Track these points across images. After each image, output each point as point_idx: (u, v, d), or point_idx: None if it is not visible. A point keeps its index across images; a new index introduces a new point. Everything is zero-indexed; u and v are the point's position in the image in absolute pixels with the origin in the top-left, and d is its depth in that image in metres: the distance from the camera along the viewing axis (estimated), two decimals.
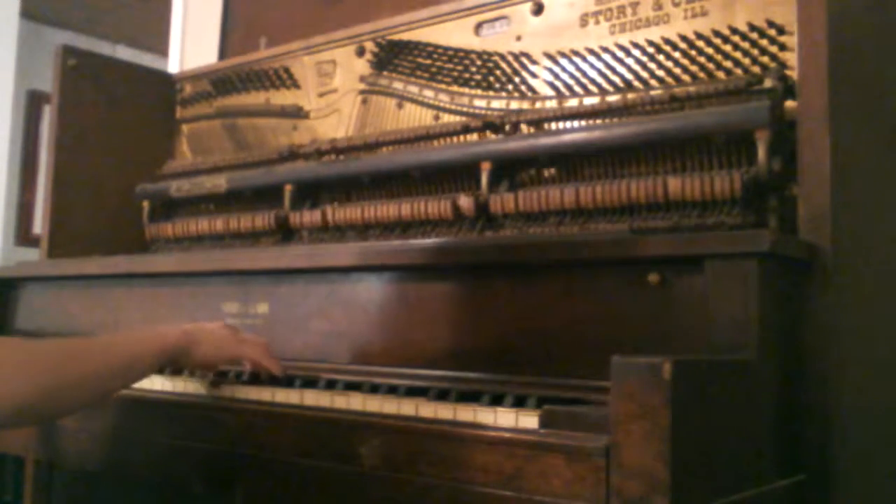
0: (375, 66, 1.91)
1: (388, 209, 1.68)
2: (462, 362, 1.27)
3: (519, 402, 1.15)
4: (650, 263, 1.11)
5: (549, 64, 1.64)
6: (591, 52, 1.58)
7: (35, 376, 1.15)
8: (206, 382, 1.39)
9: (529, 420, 1.00)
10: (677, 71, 1.48)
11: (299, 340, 1.47)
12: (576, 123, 1.55)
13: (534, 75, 1.66)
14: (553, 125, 1.58)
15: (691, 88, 1.41)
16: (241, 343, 1.38)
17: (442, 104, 1.79)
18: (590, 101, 1.56)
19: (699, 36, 1.45)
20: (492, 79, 1.72)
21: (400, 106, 1.86)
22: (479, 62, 1.74)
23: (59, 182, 2.13)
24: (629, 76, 1.53)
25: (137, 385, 1.47)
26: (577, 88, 1.59)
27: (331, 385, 1.36)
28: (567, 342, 1.18)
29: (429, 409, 1.10)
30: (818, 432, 1.11)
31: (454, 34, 1.78)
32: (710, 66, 1.44)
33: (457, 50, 1.77)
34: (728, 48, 1.42)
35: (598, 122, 1.52)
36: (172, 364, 1.35)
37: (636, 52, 1.52)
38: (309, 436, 1.16)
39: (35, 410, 1.17)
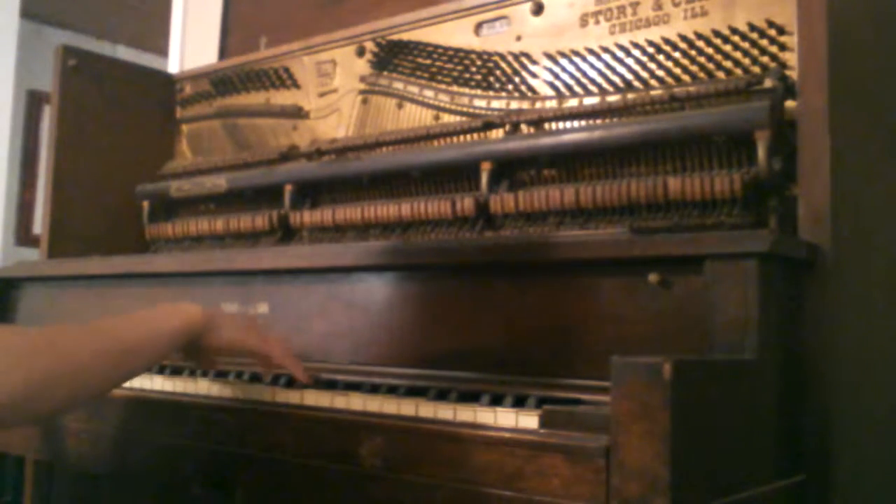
0: (375, 66, 1.91)
1: (388, 209, 1.68)
2: (462, 362, 1.27)
3: (519, 402, 1.15)
4: (650, 263, 1.11)
5: (549, 64, 1.63)
6: (591, 52, 1.58)
7: (32, 361, 1.02)
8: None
9: (529, 420, 1.00)
10: (677, 71, 1.47)
11: (299, 340, 1.47)
12: (576, 123, 1.55)
13: (534, 75, 1.66)
14: (553, 125, 1.58)
15: (691, 88, 1.41)
16: (266, 338, 1.30)
17: (442, 104, 1.78)
18: (590, 101, 1.56)
19: (699, 36, 1.45)
20: (492, 79, 1.71)
21: (400, 106, 1.86)
22: (479, 62, 1.74)
23: (59, 182, 2.13)
24: (629, 76, 1.53)
25: (137, 385, 1.48)
26: (577, 88, 1.59)
27: (331, 385, 1.36)
28: (567, 342, 1.18)
29: (429, 409, 1.10)
30: (818, 432, 1.11)
31: (454, 34, 1.78)
32: (710, 66, 1.44)
33: (457, 50, 1.77)
34: (728, 48, 1.42)
35: (598, 122, 1.52)
36: (189, 346, 1.23)
37: (636, 52, 1.52)
38: (309, 436, 1.16)
39: (33, 402, 1.03)
